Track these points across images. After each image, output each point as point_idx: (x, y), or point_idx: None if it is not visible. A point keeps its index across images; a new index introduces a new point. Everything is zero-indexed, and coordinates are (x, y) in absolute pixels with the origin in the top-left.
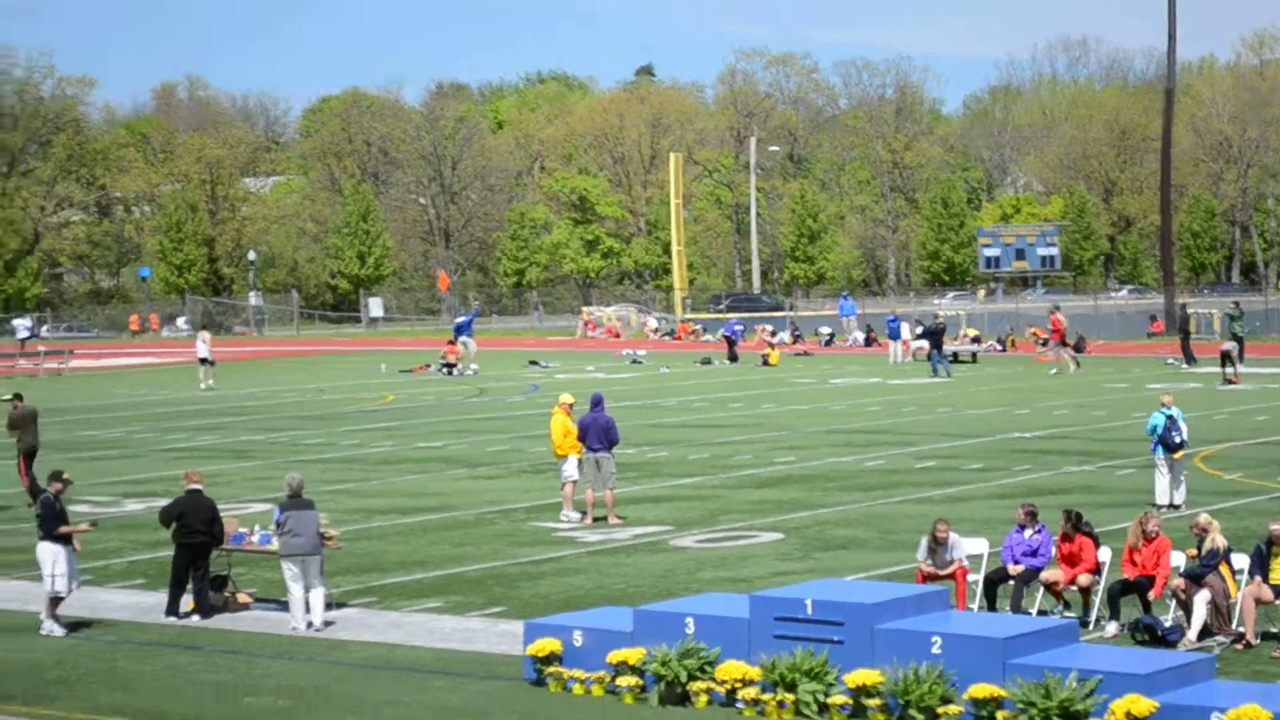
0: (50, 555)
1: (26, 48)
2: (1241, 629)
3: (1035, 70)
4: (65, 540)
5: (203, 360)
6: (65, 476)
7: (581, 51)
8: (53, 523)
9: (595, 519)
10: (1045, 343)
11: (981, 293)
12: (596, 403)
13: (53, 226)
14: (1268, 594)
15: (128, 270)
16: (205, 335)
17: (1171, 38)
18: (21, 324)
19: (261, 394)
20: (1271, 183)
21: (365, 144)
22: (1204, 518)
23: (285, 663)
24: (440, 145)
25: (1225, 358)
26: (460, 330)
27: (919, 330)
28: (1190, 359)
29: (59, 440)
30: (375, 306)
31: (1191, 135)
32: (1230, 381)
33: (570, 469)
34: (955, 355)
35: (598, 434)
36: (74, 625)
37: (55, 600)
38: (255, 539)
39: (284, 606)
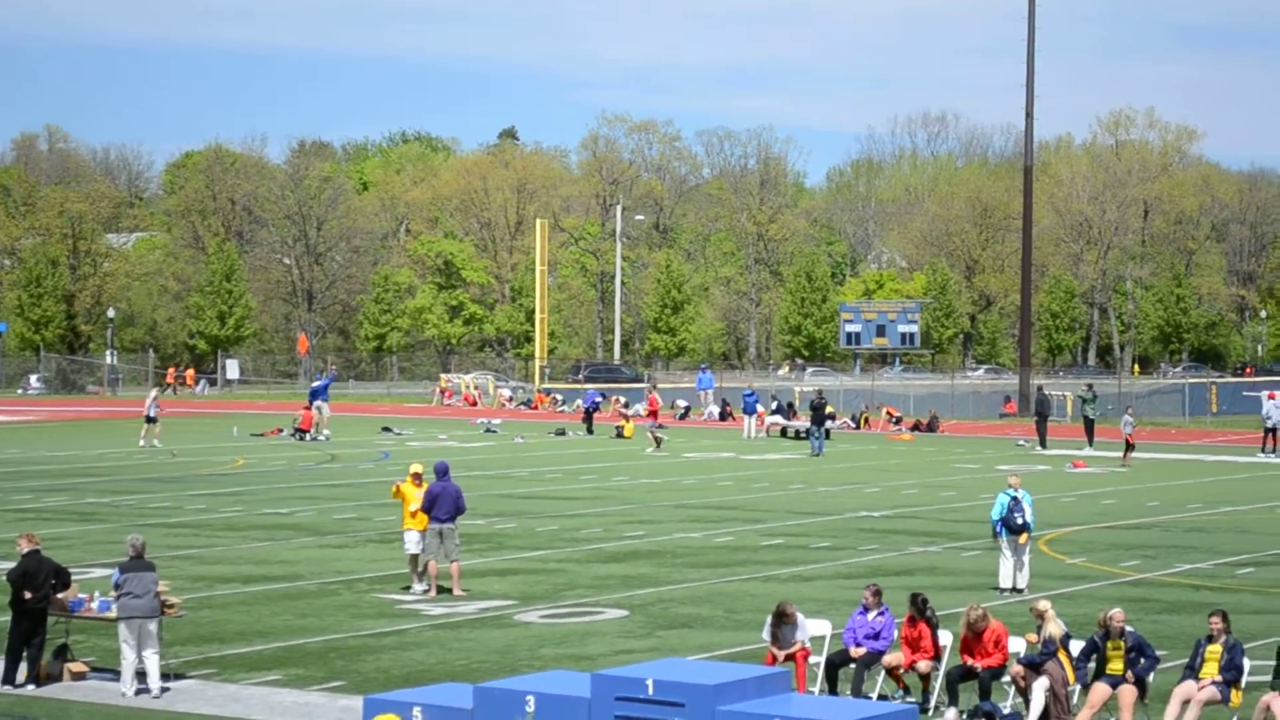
0: None
1: None
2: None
3: (896, 145)
4: None
5: (148, 418)
6: None
7: (444, 112)
8: None
9: (440, 590)
10: (898, 421)
11: (786, 368)
12: (443, 472)
13: None
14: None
15: None
16: (154, 393)
17: (1029, 116)
18: None
19: (112, 455)
20: (1131, 264)
21: (230, 201)
22: (1042, 604)
23: None
24: (305, 205)
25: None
26: (316, 395)
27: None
28: (1043, 442)
29: None
30: (232, 368)
31: (1052, 214)
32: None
33: (411, 543)
34: (809, 432)
35: (446, 503)
36: None
37: None
38: (95, 605)
39: (119, 677)
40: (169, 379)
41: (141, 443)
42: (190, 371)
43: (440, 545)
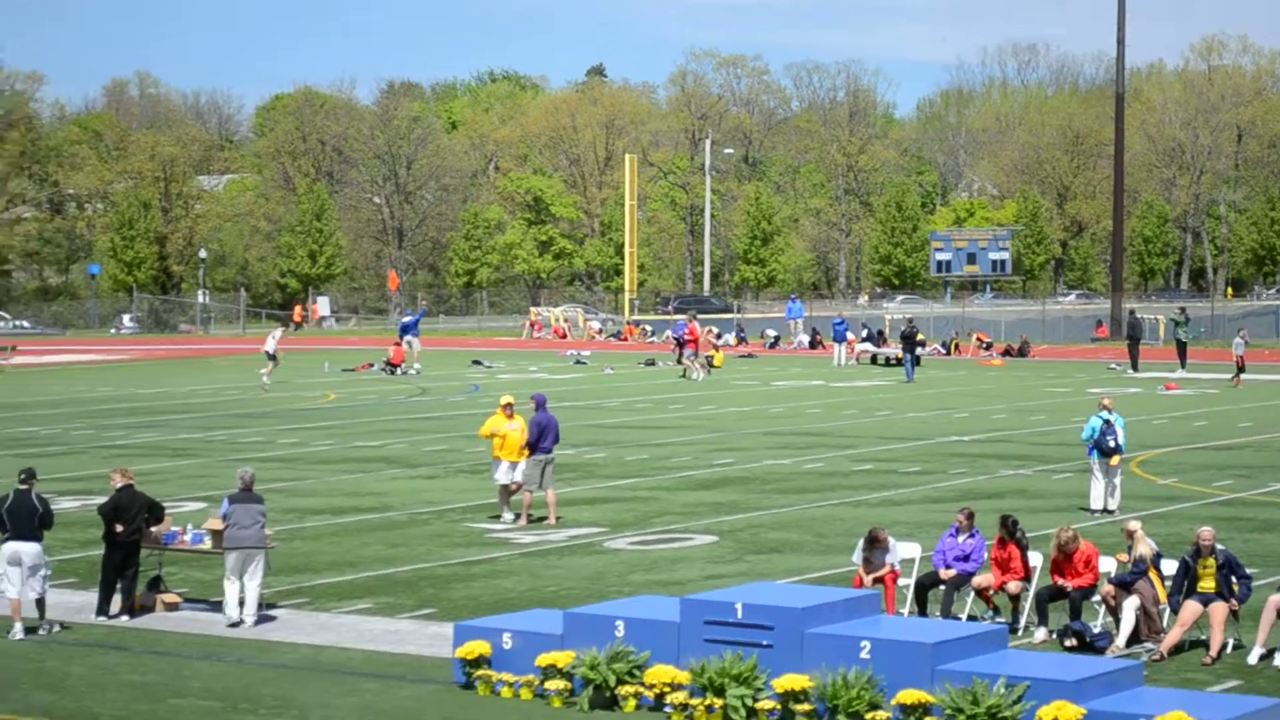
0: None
1: None
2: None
3: (986, 74)
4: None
5: (269, 355)
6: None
7: (532, 51)
8: (24, 521)
9: (531, 520)
10: (989, 346)
11: (865, 297)
12: (541, 404)
13: (4, 223)
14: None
15: (77, 267)
16: (276, 332)
17: (1121, 43)
18: None
19: (203, 391)
20: (1224, 189)
21: (320, 143)
22: (1132, 524)
23: (214, 664)
24: (394, 145)
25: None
26: (406, 330)
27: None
28: (1135, 365)
29: None
30: (323, 306)
31: (1144, 141)
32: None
33: (502, 473)
34: (898, 359)
35: (550, 434)
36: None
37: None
38: (188, 538)
39: (214, 607)
40: (297, 318)
41: (266, 380)
42: (315, 306)
43: (540, 475)
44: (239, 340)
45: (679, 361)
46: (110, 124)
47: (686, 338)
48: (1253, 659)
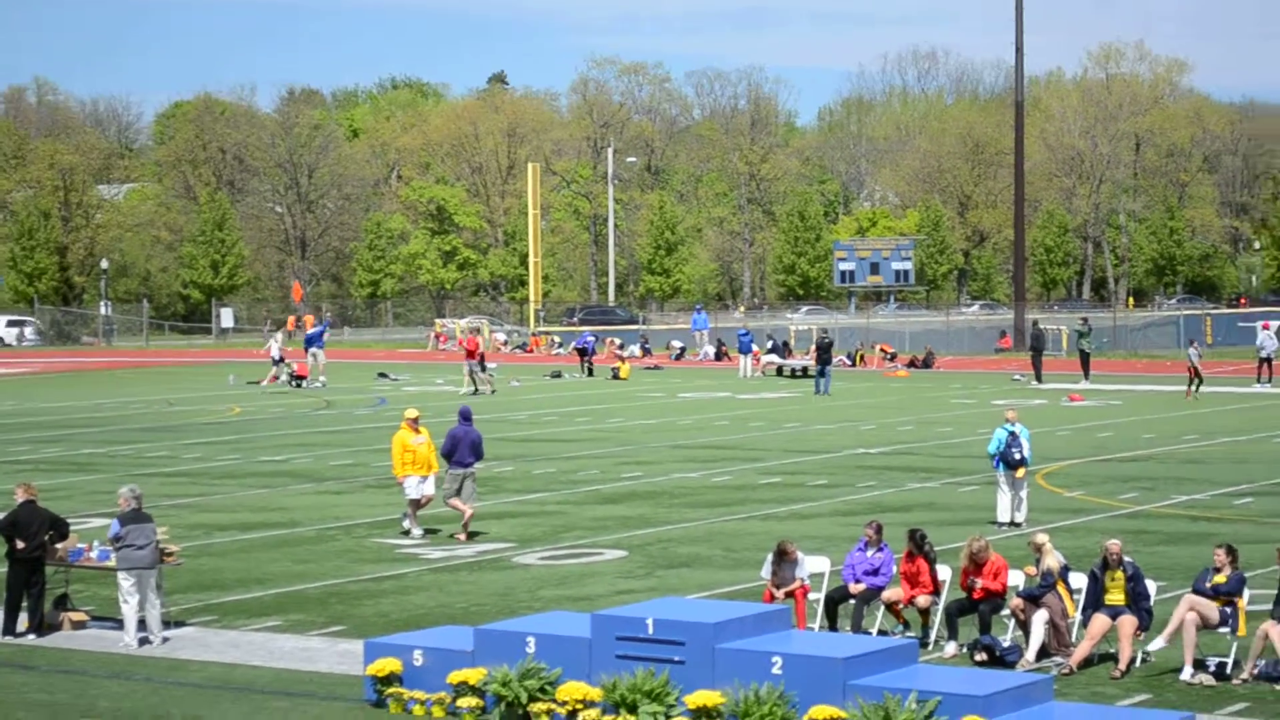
0: None
1: None
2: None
3: (886, 82)
4: None
5: (275, 360)
6: None
7: (433, 58)
8: None
9: (428, 531)
10: (893, 357)
11: (742, 310)
12: (465, 416)
13: None
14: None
15: None
16: (281, 336)
17: (1019, 50)
18: None
19: (108, 405)
20: (1123, 198)
21: (220, 151)
22: (1040, 537)
23: (122, 683)
24: (296, 153)
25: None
26: (311, 342)
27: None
28: (1039, 376)
29: None
30: (226, 317)
31: (1044, 150)
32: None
33: (411, 488)
34: (805, 370)
35: (469, 448)
36: None
37: None
38: (94, 554)
39: (121, 625)
40: (290, 326)
41: (264, 384)
42: (309, 318)
43: (459, 491)
44: (142, 353)
45: (588, 374)
46: (8, 132)
47: (466, 349)
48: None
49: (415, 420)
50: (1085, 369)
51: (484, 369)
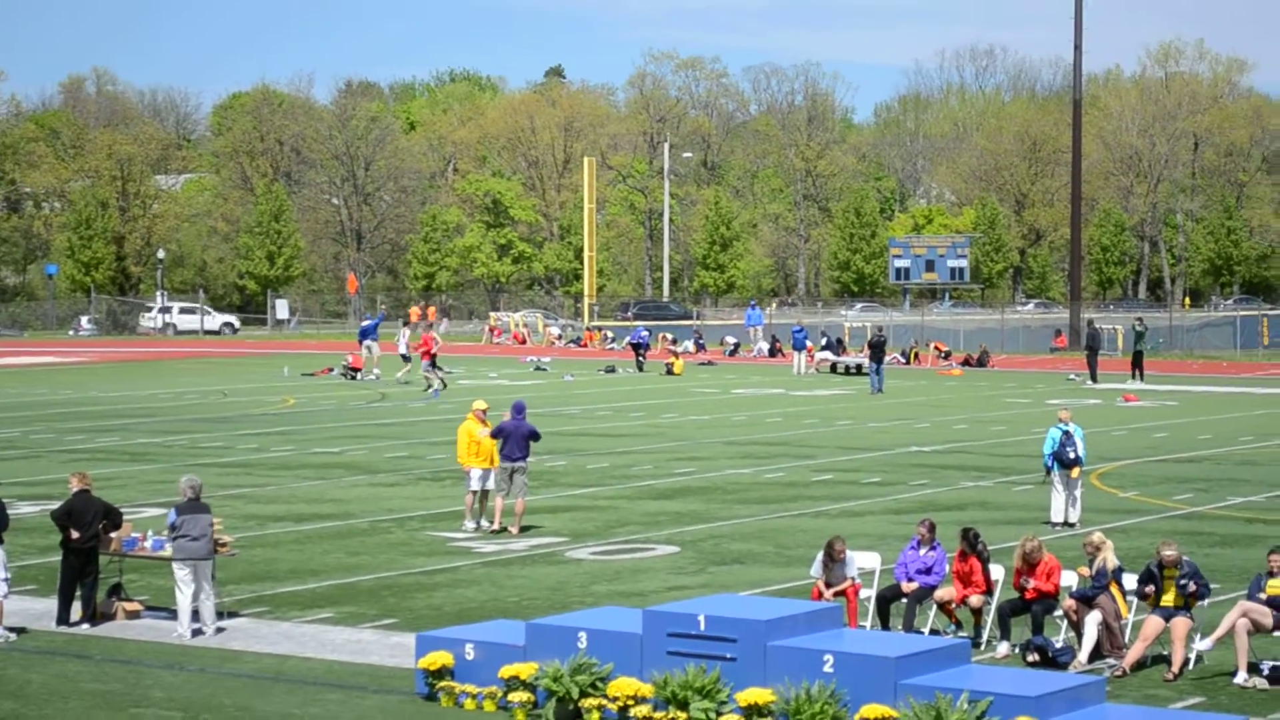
0: None
1: None
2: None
3: (943, 79)
4: None
5: (403, 356)
6: None
7: (491, 51)
8: None
9: (502, 527)
10: (948, 355)
11: (774, 305)
12: (518, 410)
13: None
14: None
15: (34, 267)
16: (406, 332)
17: (1078, 48)
18: None
19: (163, 396)
20: (1181, 197)
21: (277, 142)
22: (1097, 536)
23: (176, 673)
24: (353, 145)
25: None
26: (365, 334)
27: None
28: (1094, 376)
29: None
30: (282, 308)
31: (1101, 148)
32: None
33: (474, 480)
34: (859, 368)
35: (518, 442)
36: None
37: None
38: (148, 544)
39: (175, 615)
40: (414, 318)
41: (399, 375)
42: (433, 310)
43: (509, 484)
44: (198, 343)
45: (640, 369)
46: (67, 121)
47: (421, 348)
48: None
49: (484, 412)
50: (1139, 369)
51: (434, 368)
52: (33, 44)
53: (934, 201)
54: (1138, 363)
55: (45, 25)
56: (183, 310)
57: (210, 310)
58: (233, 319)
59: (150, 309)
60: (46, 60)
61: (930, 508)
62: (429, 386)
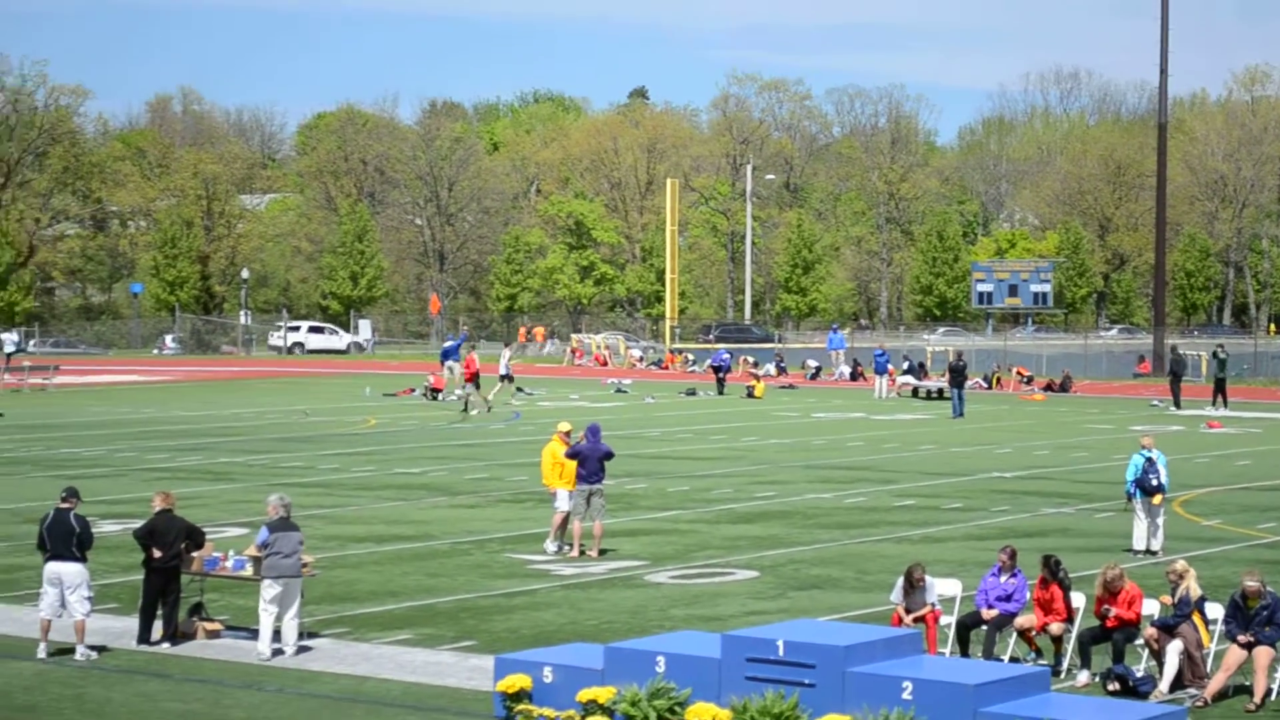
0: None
1: (18, 55)
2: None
3: (1028, 102)
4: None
5: (503, 376)
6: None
7: (574, 72)
8: (61, 541)
9: (582, 551)
10: (1030, 380)
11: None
12: (594, 432)
13: (47, 239)
14: None
15: (120, 286)
16: (505, 353)
17: (1163, 72)
18: (8, 338)
19: (246, 415)
20: (1267, 223)
21: (361, 163)
22: (1181, 564)
23: (255, 693)
24: (436, 166)
25: None
26: (447, 355)
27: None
28: (1178, 402)
29: (41, 457)
30: (365, 329)
31: (1186, 172)
32: None
33: (561, 501)
34: (940, 392)
35: (595, 463)
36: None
37: (47, 623)
38: (229, 564)
39: (256, 635)
40: (521, 338)
41: (489, 397)
42: (540, 330)
43: (586, 507)
44: (281, 363)
45: (721, 392)
46: (153, 140)
47: (465, 369)
48: None
49: (568, 434)
50: (1221, 395)
51: (477, 387)
52: (120, 63)
53: (1017, 225)
54: (1220, 389)
55: (132, 44)
56: (311, 329)
57: (339, 331)
58: (360, 339)
59: (279, 327)
60: (134, 79)
61: (1011, 534)
62: (468, 407)
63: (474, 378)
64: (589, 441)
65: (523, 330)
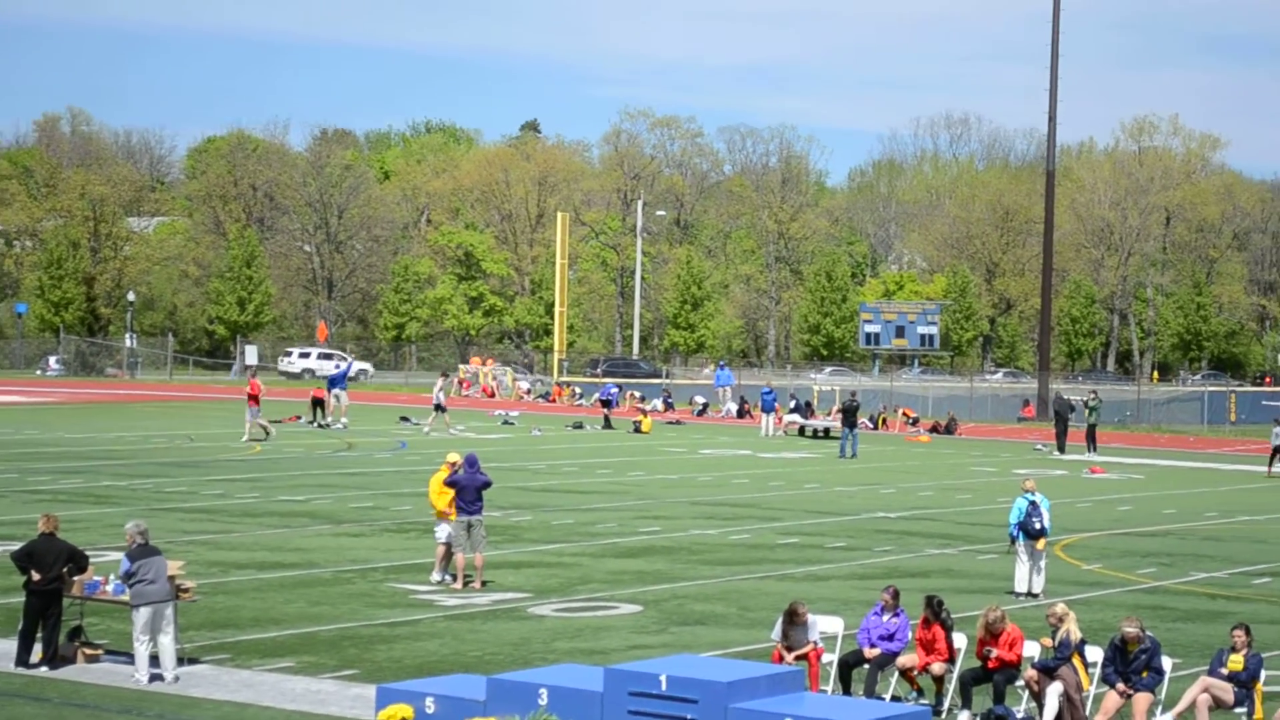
0: None
1: None
2: None
3: (918, 146)
4: None
5: (436, 406)
6: None
7: (466, 104)
8: None
9: (466, 582)
10: (915, 422)
11: (711, 366)
12: (471, 463)
13: None
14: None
15: (3, 306)
16: (440, 381)
17: (1052, 120)
18: None
19: (129, 438)
20: (1151, 271)
21: (251, 188)
22: (1061, 607)
23: (134, 718)
24: (326, 193)
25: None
26: (334, 383)
27: (836, 407)
28: (1061, 447)
29: None
30: (251, 354)
31: (1073, 219)
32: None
33: (441, 533)
34: (826, 431)
35: (472, 493)
36: None
37: None
38: (110, 588)
39: (133, 660)
40: (474, 364)
41: (425, 428)
42: (490, 361)
43: (467, 537)
44: (165, 386)
45: (607, 426)
46: (41, 160)
47: (249, 393)
48: None
49: (455, 465)
50: (1091, 442)
51: (257, 415)
52: (8, 81)
53: (905, 268)
54: (1090, 436)
55: (21, 63)
56: (321, 355)
57: (346, 356)
58: (367, 366)
59: (290, 353)
60: (22, 98)
61: (894, 574)
62: (266, 434)
63: (254, 400)
64: (466, 472)
65: (476, 359)
